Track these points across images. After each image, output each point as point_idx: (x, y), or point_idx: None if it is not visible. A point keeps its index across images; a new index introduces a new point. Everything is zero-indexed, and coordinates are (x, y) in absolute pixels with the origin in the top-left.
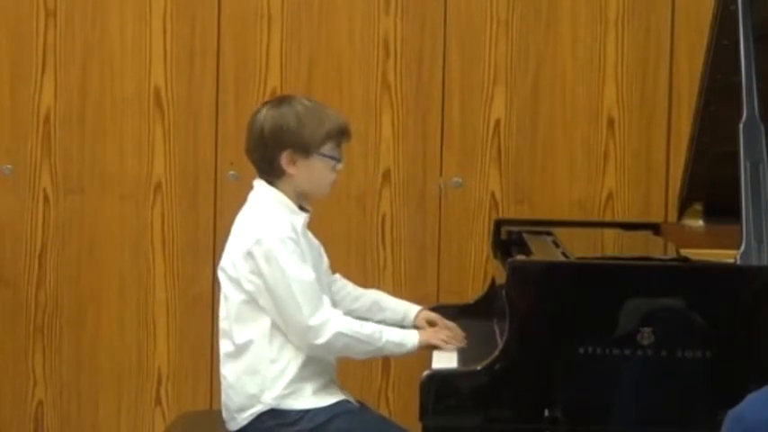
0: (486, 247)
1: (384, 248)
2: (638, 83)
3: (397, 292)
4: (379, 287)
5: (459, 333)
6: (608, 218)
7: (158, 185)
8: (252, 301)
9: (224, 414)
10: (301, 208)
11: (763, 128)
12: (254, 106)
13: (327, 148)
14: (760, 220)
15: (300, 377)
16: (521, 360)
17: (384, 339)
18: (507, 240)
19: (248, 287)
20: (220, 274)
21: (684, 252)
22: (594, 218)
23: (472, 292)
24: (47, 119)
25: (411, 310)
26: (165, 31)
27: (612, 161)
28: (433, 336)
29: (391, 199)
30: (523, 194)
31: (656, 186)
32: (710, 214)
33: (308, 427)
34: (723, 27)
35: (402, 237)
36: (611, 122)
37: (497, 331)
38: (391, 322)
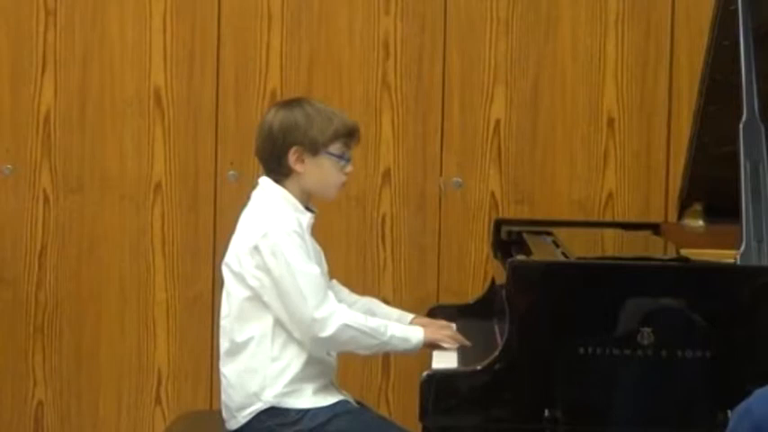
0: (486, 247)
1: (384, 248)
2: (638, 83)
3: (397, 292)
4: (379, 287)
5: (456, 333)
6: (608, 218)
7: (158, 185)
8: (255, 297)
9: (224, 413)
10: (307, 209)
11: (763, 128)
12: (254, 106)
13: (336, 148)
14: (760, 219)
15: (301, 377)
16: (521, 360)
17: (389, 334)
18: (507, 240)
19: (253, 283)
20: (224, 270)
21: (684, 252)
22: (594, 218)
23: (472, 292)
24: (47, 119)
25: (404, 317)
26: (165, 31)
27: (612, 161)
28: (436, 333)
29: (391, 199)
30: (523, 194)
31: (656, 186)
32: (710, 214)
33: (309, 426)
34: (723, 27)
35: (402, 237)
36: (611, 122)
37: (497, 331)
38: None
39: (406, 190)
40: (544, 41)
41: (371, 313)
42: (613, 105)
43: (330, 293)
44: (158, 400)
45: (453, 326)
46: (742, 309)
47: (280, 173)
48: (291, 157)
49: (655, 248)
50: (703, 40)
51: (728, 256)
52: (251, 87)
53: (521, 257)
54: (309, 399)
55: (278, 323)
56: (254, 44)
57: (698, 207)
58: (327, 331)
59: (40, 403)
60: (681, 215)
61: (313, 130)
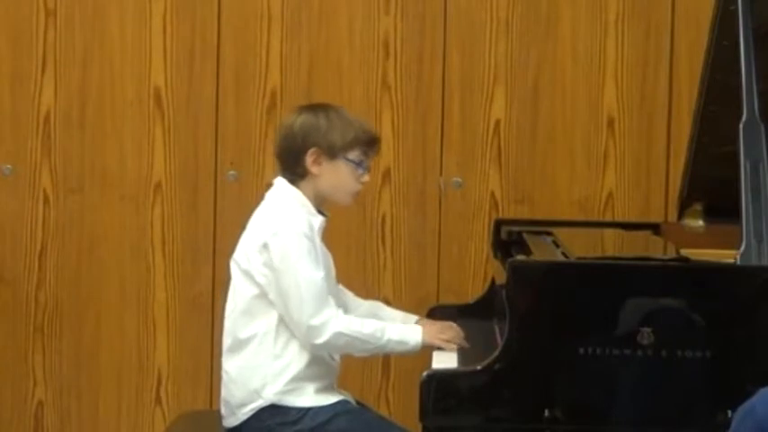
0: (486, 247)
1: (384, 248)
2: (638, 83)
3: (397, 291)
4: (379, 287)
5: (459, 332)
6: (608, 218)
7: (158, 185)
8: (263, 295)
9: (223, 410)
10: (320, 212)
11: (763, 128)
12: (254, 106)
13: (354, 155)
14: (760, 219)
15: (303, 376)
16: (521, 360)
17: (386, 338)
18: (507, 240)
19: (260, 280)
20: (232, 266)
21: (684, 252)
22: (594, 218)
23: (472, 292)
24: (47, 119)
25: (408, 319)
26: (165, 31)
27: (612, 161)
28: (435, 336)
29: (391, 199)
30: (523, 194)
31: (656, 186)
32: (710, 214)
33: (309, 425)
34: (723, 27)
35: (402, 237)
36: (611, 122)
37: (497, 331)
38: None
39: (405, 190)
40: (544, 41)
41: (376, 317)
42: (613, 105)
43: (330, 299)
44: (158, 400)
45: (456, 326)
46: (742, 309)
47: (296, 173)
48: (309, 158)
49: (655, 248)
50: (703, 40)
51: (728, 255)
52: (251, 87)
53: (521, 257)
54: (310, 397)
55: (282, 321)
56: (254, 44)
57: (698, 207)
58: (322, 338)
59: (40, 403)
60: (681, 215)
61: (333, 133)
